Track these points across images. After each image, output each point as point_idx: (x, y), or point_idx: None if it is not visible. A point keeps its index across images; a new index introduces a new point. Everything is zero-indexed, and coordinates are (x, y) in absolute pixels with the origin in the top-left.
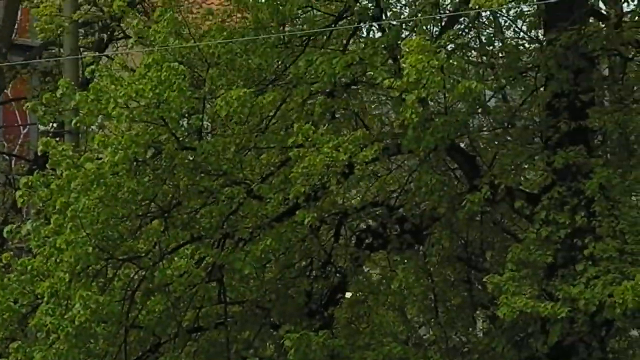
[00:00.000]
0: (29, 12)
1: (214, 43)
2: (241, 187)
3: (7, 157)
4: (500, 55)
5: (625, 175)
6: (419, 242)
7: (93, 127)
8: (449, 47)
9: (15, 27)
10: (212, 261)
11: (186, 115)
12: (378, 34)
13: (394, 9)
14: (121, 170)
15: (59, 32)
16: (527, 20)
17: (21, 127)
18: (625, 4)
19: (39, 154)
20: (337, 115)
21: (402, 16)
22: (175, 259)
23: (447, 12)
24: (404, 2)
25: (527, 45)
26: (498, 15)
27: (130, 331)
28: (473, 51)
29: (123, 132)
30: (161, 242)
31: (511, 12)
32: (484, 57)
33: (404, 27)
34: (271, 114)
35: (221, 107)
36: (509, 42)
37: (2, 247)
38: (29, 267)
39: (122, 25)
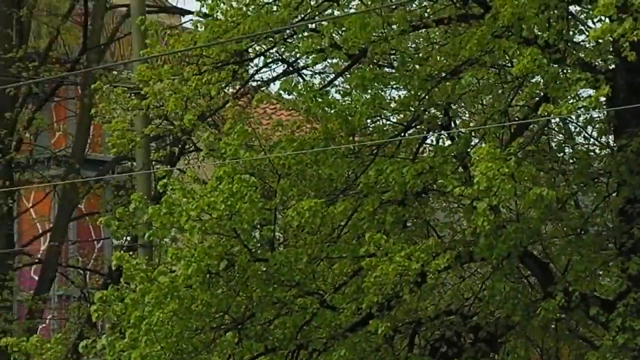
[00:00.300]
0: (101, 127)
1: (284, 155)
2: (314, 297)
3: (81, 272)
4: (571, 161)
5: None
6: (494, 351)
7: (166, 240)
8: (519, 154)
9: (88, 142)
10: None
11: (258, 226)
12: (447, 142)
13: (463, 117)
14: (194, 283)
15: (130, 146)
16: (597, 126)
17: (95, 242)
18: None
19: (113, 268)
20: (408, 224)
21: (471, 124)
22: None
23: (517, 119)
24: (473, 111)
25: (597, 151)
26: (568, 121)
27: None
28: (544, 157)
29: (196, 244)
30: (235, 354)
31: (581, 119)
32: (555, 164)
33: (473, 134)
34: (342, 223)
35: (293, 217)
36: (579, 148)
37: None
38: None
39: (193, 138)
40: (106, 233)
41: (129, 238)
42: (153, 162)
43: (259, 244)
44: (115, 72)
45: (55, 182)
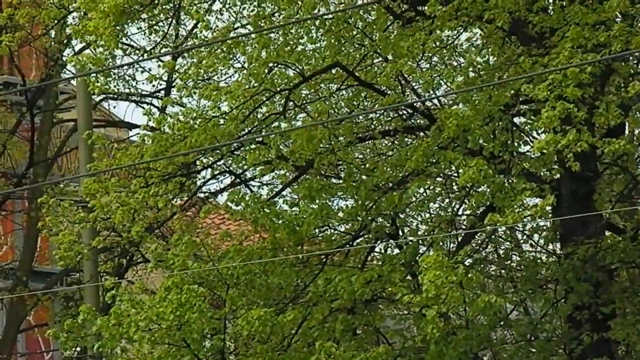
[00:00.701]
0: (48, 240)
1: (233, 265)
2: None
3: None
4: (518, 268)
5: None
6: None
7: (115, 351)
8: (467, 262)
9: (36, 254)
10: None
11: (208, 336)
12: (396, 251)
13: (411, 226)
14: None
15: (78, 258)
16: (544, 234)
17: (44, 354)
18: None
19: None
20: (358, 332)
21: (419, 233)
22: None
23: (464, 227)
24: (420, 219)
25: (544, 258)
26: (515, 229)
27: None
28: (491, 265)
29: (145, 355)
30: None
31: (527, 227)
32: (503, 271)
33: (421, 243)
34: (292, 332)
35: (243, 326)
36: (526, 255)
37: None
38: None
39: (141, 249)
40: (55, 345)
41: (78, 349)
42: (101, 274)
43: (209, 354)
44: (62, 185)
45: (2, 296)
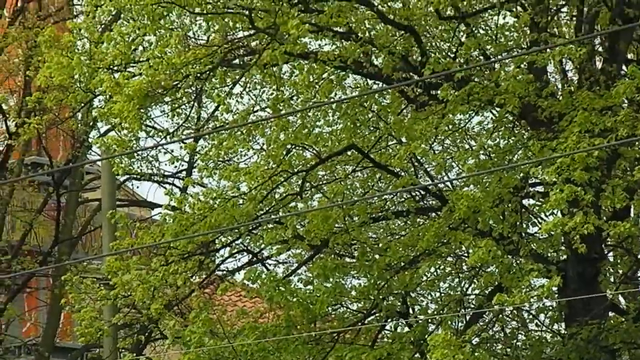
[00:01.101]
0: (71, 316)
1: (247, 342)
2: None
3: None
4: (524, 347)
5: None
6: None
7: None
8: (474, 341)
9: (58, 330)
10: None
11: None
12: (406, 329)
13: (421, 305)
14: None
15: (99, 335)
16: (549, 314)
17: None
18: None
19: None
20: None
21: (429, 311)
22: None
23: (472, 307)
24: (430, 298)
25: (549, 338)
26: (521, 309)
27: None
28: (498, 344)
29: None
30: None
31: (534, 307)
32: (509, 350)
33: (430, 321)
34: None
35: None
36: (532, 335)
37: None
38: None
39: (159, 326)
40: None
41: None
42: (120, 350)
43: None
44: (85, 263)
45: None
